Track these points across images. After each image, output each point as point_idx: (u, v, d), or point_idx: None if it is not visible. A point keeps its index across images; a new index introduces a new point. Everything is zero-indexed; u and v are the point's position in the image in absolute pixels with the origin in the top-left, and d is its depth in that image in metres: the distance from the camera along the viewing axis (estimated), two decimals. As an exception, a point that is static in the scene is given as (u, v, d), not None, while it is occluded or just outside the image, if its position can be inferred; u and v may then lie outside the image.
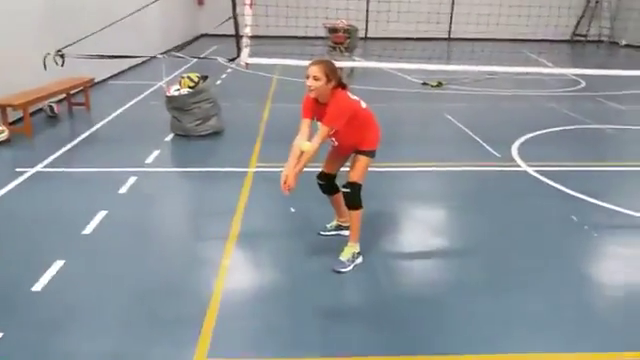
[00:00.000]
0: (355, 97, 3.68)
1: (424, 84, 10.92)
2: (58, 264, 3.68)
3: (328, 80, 3.46)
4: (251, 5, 5.55)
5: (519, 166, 6.00)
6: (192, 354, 2.84)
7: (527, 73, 10.53)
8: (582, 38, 21.13)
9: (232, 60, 6.05)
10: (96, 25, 7.14)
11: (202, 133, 6.87)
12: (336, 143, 3.75)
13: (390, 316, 3.23)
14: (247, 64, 5.71)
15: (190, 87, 6.79)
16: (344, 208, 3.92)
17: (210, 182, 5.43)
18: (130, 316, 3.18)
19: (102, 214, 4.47)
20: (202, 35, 19.79)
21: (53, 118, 7.65)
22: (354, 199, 3.70)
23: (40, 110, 7.65)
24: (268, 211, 4.69)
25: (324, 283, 3.57)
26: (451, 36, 20.68)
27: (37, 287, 3.42)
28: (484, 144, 6.81)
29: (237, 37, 5.78)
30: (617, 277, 3.77)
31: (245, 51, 5.63)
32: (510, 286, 3.59)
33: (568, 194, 5.18)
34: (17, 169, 5.49)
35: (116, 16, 7.33)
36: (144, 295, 3.38)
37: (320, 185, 3.96)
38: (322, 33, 12.57)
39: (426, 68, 8.30)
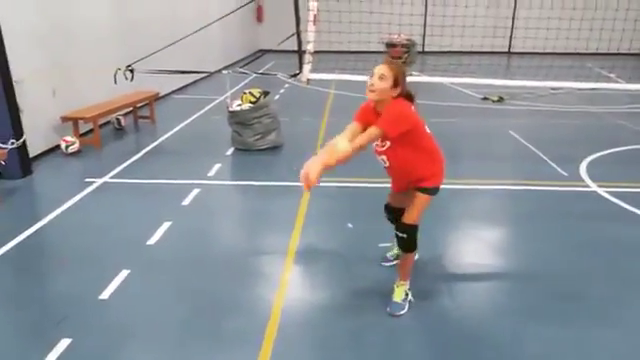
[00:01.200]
0: (418, 115, 3.18)
1: (484, 99, 10.67)
2: (124, 273, 3.78)
3: (395, 85, 3.01)
4: (314, 22, 5.60)
5: (588, 186, 5.72)
6: (253, 370, 2.83)
7: (594, 89, 10.10)
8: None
9: (294, 76, 6.12)
10: (161, 41, 7.41)
11: (262, 147, 6.96)
12: (387, 164, 3.24)
13: (451, 342, 3.12)
14: (309, 80, 5.75)
15: (252, 102, 6.91)
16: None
17: (270, 196, 5.48)
18: (191, 329, 3.21)
19: (166, 225, 4.58)
20: (260, 51, 20.22)
21: (120, 130, 7.97)
22: (410, 243, 3.33)
23: (108, 123, 7.99)
24: (326, 226, 4.67)
25: (383, 304, 3.49)
26: (511, 50, 20.18)
27: (104, 295, 3.52)
28: (550, 162, 6.55)
29: (299, 53, 5.83)
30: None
31: (307, 67, 5.67)
32: (579, 315, 3.39)
33: (643, 217, 4.90)
34: (86, 179, 5.73)
35: (180, 33, 7.58)
36: (204, 308, 3.42)
37: (387, 217, 3.68)
38: (381, 47, 12.60)
39: (487, 83, 8.10)
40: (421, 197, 3.24)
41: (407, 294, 3.46)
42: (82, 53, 7.36)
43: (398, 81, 3.03)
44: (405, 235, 3.30)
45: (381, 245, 4.11)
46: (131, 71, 6.25)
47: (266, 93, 7.09)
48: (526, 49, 18.16)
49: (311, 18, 5.79)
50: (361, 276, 3.84)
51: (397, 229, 3.35)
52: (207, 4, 12.69)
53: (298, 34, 5.70)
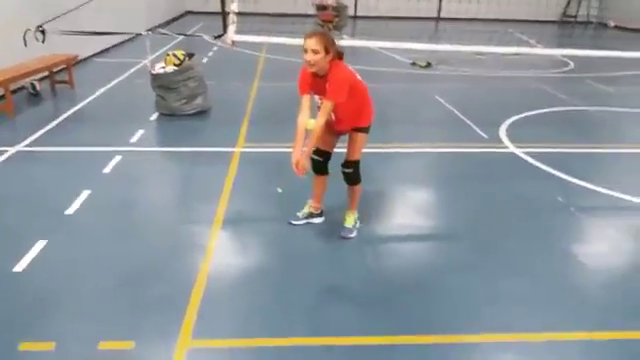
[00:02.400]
0: (351, 68, 3.55)
1: (413, 64, 10.85)
2: (40, 244, 3.61)
3: (327, 52, 3.31)
4: (238, -20, 5.42)
5: (507, 147, 5.99)
6: (176, 335, 2.81)
7: (516, 54, 10.48)
8: (571, 19, 21.13)
9: (218, 37, 5.93)
10: (79, 0, 6.95)
11: (188, 112, 6.77)
12: (334, 118, 3.59)
13: (378, 297, 3.22)
14: (233, 42, 5.58)
15: (176, 65, 6.66)
16: (322, 193, 4.01)
17: (196, 162, 5.36)
18: (114, 298, 3.13)
19: (85, 194, 4.40)
20: (187, 12, 19.46)
21: (35, 96, 7.48)
22: (356, 177, 3.79)
23: (22, 88, 7.48)
24: (255, 192, 4.64)
25: (311, 264, 3.55)
26: (440, 16, 20.53)
27: (18, 268, 3.36)
28: (473, 125, 6.79)
29: (223, 14, 5.64)
30: (601, 259, 3.79)
31: (231, 28, 5.50)
32: (496, 267, 3.60)
33: (555, 175, 5.20)
34: (-2, 148, 5.37)
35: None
36: (128, 277, 3.34)
37: (315, 162, 3.81)
38: (311, 11, 12.43)
39: (415, 47, 8.17)
40: (361, 136, 3.70)
41: (356, 221, 3.94)
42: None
43: (328, 48, 3.31)
44: (351, 170, 3.74)
45: (293, 222, 4.05)
46: (42, 32, 5.82)
47: (191, 55, 6.86)
48: (456, 14, 18.62)
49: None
50: (289, 237, 3.87)
51: (343, 166, 3.75)
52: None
53: (222, -6, 5.49)
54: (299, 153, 3.40)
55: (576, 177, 5.12)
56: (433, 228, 4.21)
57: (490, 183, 5.05)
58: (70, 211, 4.12)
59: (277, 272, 3.46)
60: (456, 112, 7.44)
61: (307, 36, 3.33)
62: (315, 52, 3.28)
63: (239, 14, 5.59)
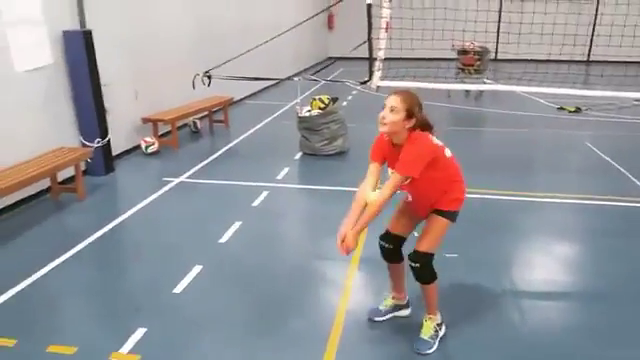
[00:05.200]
0: (439, 142, 2.95)
1: (560, 109, 10.28)
2: (197, 269, 3.98)
3: (408, 116, 2.81)
4: (387, 29, 5.64)
5: (672, 203, 5.40)
6: (316, 369, 2.90)
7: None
8: None
9: (364, 83, 6.18)
10: (237, 48, 7.70)
11: (329, 152, 7.06)
12: (410, 198, 3.07)
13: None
14: (378, 87, 5.79)
15: (320, 108, 7.04)
16: (404, 283, 3.34)
17: (335, 200, 5.53)
18: (256, 327, 3.32)
19: (237, 225, 4.77)
20: (329, 58, 20.44)
21: (196, 133, 8.34)
22: (425, 275, 3.03)
23: (185, 125, 8.38)
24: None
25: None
26: (590, 59, 19.26)
27: (178, 289, 3.72)
28: (630, 176, 6.22)
29: (370, 60, 5.89)
30: None
31: (377, 74, 5.72)
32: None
33: None
34: (164, 178, 6.05)
35: (254, 40, 7.84)
36: (270, 307, 3.53)
37: (383, 248, 3.20)
38: (453, 55, 12.38)
39: (564, 92, 7.78)
40: (441, 221, 2.98)
41: (437, 330, 3.16)
42: (163, 59, 7.77)
43: (412, 112, 2.82)
44: (418, 265, 2.99)
45: (376, 319, 3.42)
46: (209, 77, 6.54)
47: (335, 100, 7.20)
48: (607, 57, 17.38)
49: (383, 25, 5.83)
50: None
51: (410, 258, 3.02)
52: (281, 12, 13.03)
53: (369, 41, 5.75)
54: (349, 228, 2.86)
55: None
56: (574, 285, 3.90)
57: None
58: (223, 240, 4.50)
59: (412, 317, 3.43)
60: (610, 161, 6.88)
61: (392, 92, 2.90)
62: (393, 110, 2.80)
63: (385, 60, 5.80)
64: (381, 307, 3.42)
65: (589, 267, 4.25)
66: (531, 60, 15.07)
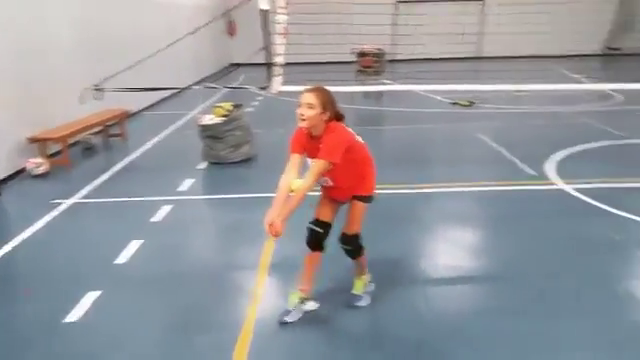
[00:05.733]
0: (351, 130, 3.25)
1: (454, 104, 10.82)
2: (93, 295, 3.71)
3: (324, 110, 3.05)
4: (284, 35, 5.63)
5: (556, 184, 5.82)
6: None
7: (560, 90, 10.30)
8: (615, 52, 20.63)
9: (264, 88, 6.13)
10: (131, 57, 7.36)
11: (235, 160, 6.93)
12: (331, 183, 3.26)
13: (423, 343, 3.12)
14: (279, 92, 5.77)
15: (223, 116, 6.89)
16: (314, 275, 3.41)
17: (244, 207, 5.43)
18: (165, 346, 3.16)
19: (136, 243, 4.51)
20: (232, 64, 20.21)
21: (90, 150, 7.86)
22: (357, 251, 3.44)
23: (77, 142, 7.88)
24: (301, 236, 4.64)
25: (354, 313, 3.49)
26: (479, 55, 20.54)
27: (71, 318, 3.45)
28: (519, 163, 6.65)
29: (269, 66, 5.85)
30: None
31: (277, 79, 5.69)
32: (547, 310, 3.44)
33: (610, 212, 4.99)
34: (54, 200, 5.61)
35: (149, 49, 7.54)
36: (178, 324, 3.38)
37: (313, 233, 3.32)
38: (351, 58, 12.70)
39: (456, 88, 8.22)
40: (361, 206, 3.33)
41: (366, 285, 3.59)
42: (51, 74, 7.24)
43: (326, 106, 3.07)
44: (350, 247, 3.39)
45: (287, 320, 3.39)
46: (100, 90, 6.17)
47: (238, 106, 7.08)
48: (494, 53, 18.61)
49: (281, 31, 5.82)
50: (336, 280, 3.84)
51: (342, 242, 3.38)
52: (176, 20, 12.64)
53: (267, 47, 5.71)
54: (275, 214, 2.98)
55: (633, 213, 4.89)
56: (478, 269, 4.09)
57: (540, 221, 4.90)
58: (120, 261, 4.23)
59: (321, 317, 3.41)
60: (500, 149, 7.32)
61: (306, 90, 3.10)
62: (310, 107, 3.02)
63: (286, 65, 5.78)
64: (289, 307, 3.41)
65: (486, 249, 4.47)
66: (425, 59, 15.81)
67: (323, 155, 3.05)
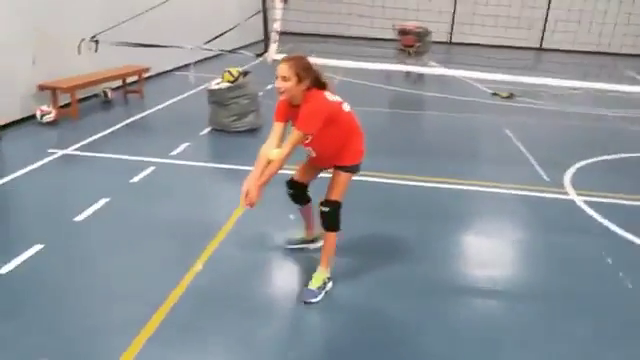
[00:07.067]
0: (337, 98, 3.19)
1: (494, 94, 10.20)
2: (36, 248, 3.68)
3: (299, 80, 2.99)
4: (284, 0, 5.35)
5: (567, 194, 5.33)
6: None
7: (612, 91, 9.46)
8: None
9: (260, 55, 5.89)
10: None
11: (239, 129, 6.78)
12: (314, 154, 3.30)
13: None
14: (274, 60, 5.52)
15: (230, 82, 6.73)
16: (314, 222, 3.64)
17: (232, 179, 5.21)
18: (84, 306, 3.10)
19: (102, 202, 4.46)
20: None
21: (107, 103, 7.93)
22: (333, 220, 3.30)
23: (96, 95, 7.96)
24: (266, 215, 4.44)
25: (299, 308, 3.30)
26: (543, 46, 19.34)
27: (5, 270, 3.42)
28: (536, 166, 6.14)
29: (266, 33, 5.61)
30: None
31: (273, 47, 5.43)
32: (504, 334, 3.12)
33: (612, 232, 4.50)
34: (49, 150, 5.68)
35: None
36: (106, 293, 3.29)
37: (290, 194, 3.59)
38: (394, 35, 12.18)
39: (493, 78, 7.63)
40: (344, 176, 3.27)
41: (325, 282, 3.35)
42: (66, 23, 7.25)
43: (301, 75, 3.00)
44: (328, 209, 3.26)
45: (288, 247, 3.89)
46: (95, 42, 6.14)
47: (246, 73, 6.89)
48: (561, 45, 17.43)
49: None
50: (282, 273, 3.67)
51: (322, 204, 3.30)
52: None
53: (264, 12, 5.46)
54: (252, 182, 3.07)
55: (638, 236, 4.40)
56: (452, 277, 3.77)
57: (536, 231, 4.53)
58: (79, 218, 4.19)
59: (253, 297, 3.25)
60: (523, 149, 6.80)
61: (281, 60, 3.06)
62: (285, 79, 2.99)
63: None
64: (296, 237, 3.85)
65: (473, 253, 4.13)
66: (486, 45, 15.00)
67: (298, 125, 3.03)
